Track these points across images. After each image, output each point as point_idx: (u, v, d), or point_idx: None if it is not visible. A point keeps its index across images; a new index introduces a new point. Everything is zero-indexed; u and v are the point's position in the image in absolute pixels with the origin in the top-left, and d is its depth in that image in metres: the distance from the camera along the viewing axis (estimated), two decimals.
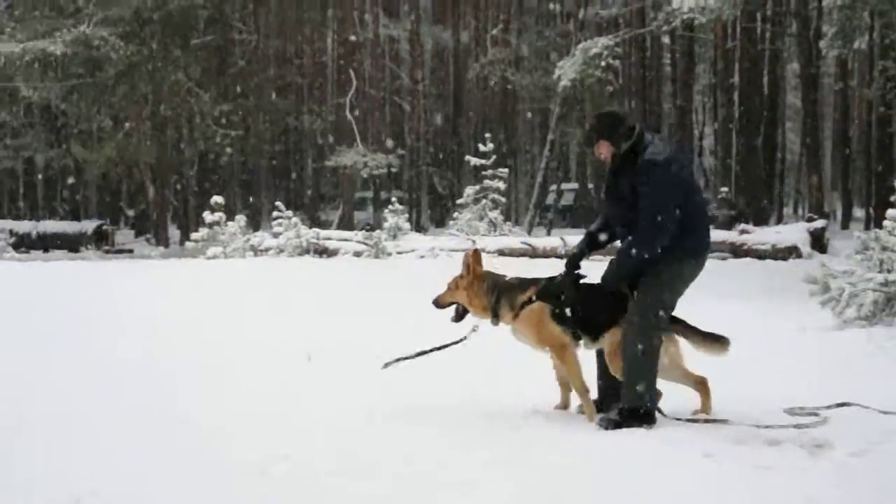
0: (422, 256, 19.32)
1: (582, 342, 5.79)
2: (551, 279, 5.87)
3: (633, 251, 5.47)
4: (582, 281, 5.81)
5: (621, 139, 5.64)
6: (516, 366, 6.54)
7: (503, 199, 23.58)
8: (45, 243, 32.53)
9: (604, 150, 5.74)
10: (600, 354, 5.88)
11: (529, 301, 5.82)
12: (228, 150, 34.39)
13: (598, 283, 5.77)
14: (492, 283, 6.02)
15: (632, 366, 5.46)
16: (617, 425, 5.41)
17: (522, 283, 5.97)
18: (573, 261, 5.85)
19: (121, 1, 30.41)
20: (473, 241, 19.25)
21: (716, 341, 5.72)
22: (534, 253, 18.89)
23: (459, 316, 6.15)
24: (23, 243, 30.82)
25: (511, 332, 5.98)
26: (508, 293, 5.93)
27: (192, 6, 32.71)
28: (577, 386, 5.76)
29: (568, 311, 5.69)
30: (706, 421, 5.52)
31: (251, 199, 41.75)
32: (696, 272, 5.64)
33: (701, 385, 5.76)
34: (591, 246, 5.94)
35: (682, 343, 5.76)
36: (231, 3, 37.24)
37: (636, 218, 5.49)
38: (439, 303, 6.20)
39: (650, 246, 5.43)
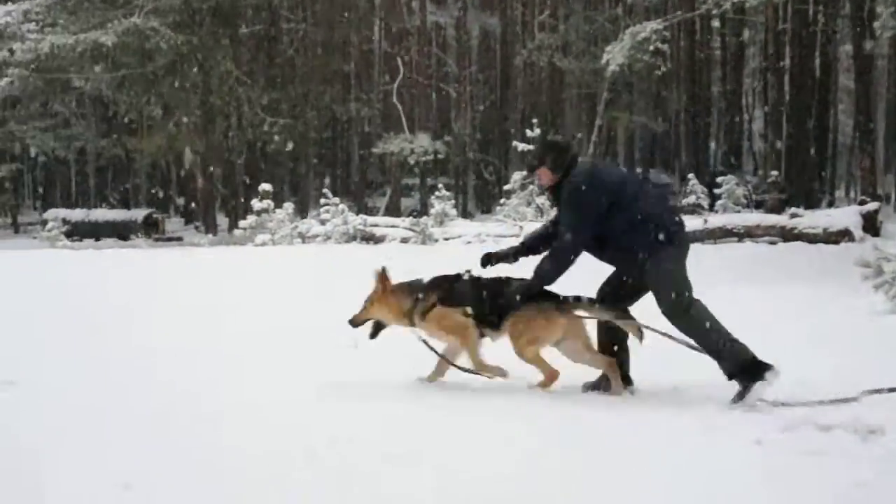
0: (468, 242, 19.29)
1: (488, 337, 6.12)
2: (455, 280, 6.18)
3: (544, 268, 5.87)
4: (481, 279, 6.15)
5: (559, 168, 5.95)
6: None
7: None
8: (97, 231, 33.17)
9: (543, 178, 6.07)
10: (607, 330, 6.06)
11: (433, 306, 6.12)
12: (276, 138, 34.58)
13: (496, 277, 6.13)
14: (407, 290, 6.28)
15: (703, 340, 5.63)
16: (744, 394, 5.52)
17: (431, 286, 6.23)
18: (491, 261, 6.25)
19: None
20: (521, 227, 19.21)
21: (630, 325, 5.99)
22: None
23: (376, 331, 6.42)
24: (75, 231, 31.30)
25: (419, 334, 6.29)
26: (421, 298, 6.19)
27: None
28: (475, 361, 6.12)
29: (469, 310, 6.03)
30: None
31: (299, 186, 41.98)
32: (680, 251, 5.85)
33: (609, 367, 5.98)
34: (519, 254, 6.30)
35: (589, 325, 6.08)
36: None
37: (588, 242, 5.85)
38: (355, 321, 6.42)
39: (557, 265, 5.82)
